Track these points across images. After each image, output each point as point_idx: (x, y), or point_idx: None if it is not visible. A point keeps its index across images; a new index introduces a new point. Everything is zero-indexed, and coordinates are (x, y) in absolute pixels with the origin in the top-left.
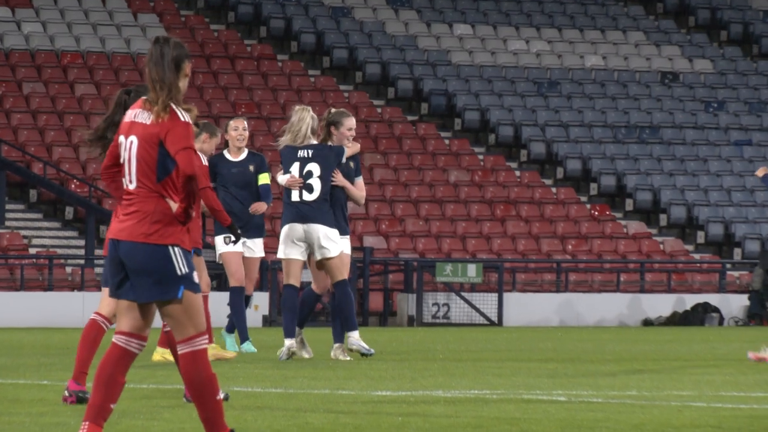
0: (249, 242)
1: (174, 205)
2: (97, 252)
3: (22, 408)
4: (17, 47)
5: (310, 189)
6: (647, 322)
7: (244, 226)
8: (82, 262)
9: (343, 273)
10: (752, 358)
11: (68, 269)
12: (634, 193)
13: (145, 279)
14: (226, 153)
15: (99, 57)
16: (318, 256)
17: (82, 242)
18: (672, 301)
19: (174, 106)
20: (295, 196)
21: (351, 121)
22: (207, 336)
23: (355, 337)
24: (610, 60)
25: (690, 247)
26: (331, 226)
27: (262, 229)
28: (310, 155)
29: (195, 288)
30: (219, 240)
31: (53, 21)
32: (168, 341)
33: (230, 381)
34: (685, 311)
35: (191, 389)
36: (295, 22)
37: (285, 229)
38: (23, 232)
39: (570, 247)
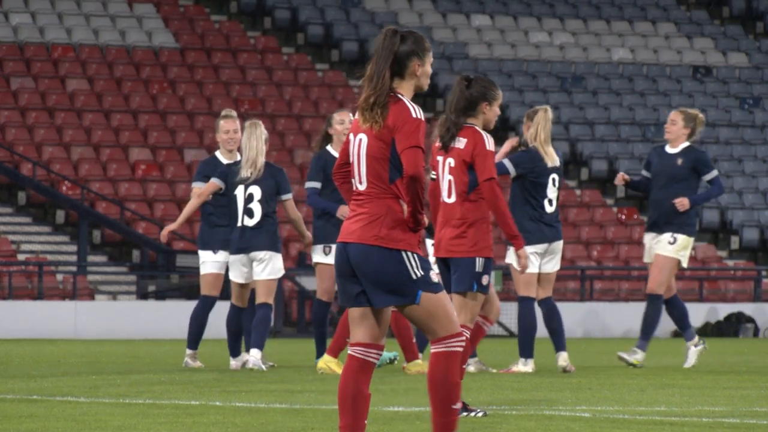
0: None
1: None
2: (90, 258)
3: (10, 425)
4: (5, 39)
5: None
6: (677, 334)
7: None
8: (74, 269)
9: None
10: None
11: (59, 277)
12: None
13: (379, 284)
14: (330, 149)
15: (92, 50)
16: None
17: (74, 248)
18: (704, 310)
19: (406, 101)
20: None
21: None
22: (462, 338)
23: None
24: (638, 53)
25: (723, 254)
26: None
27: None
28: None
29: (435, 288)
30: (317, 249)
31: (43, 11)
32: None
33: (231, 396)
34: (718, 321)
35: (432, 389)
36: (301, 13)
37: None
38: (11, 237)
39: (595, 253)
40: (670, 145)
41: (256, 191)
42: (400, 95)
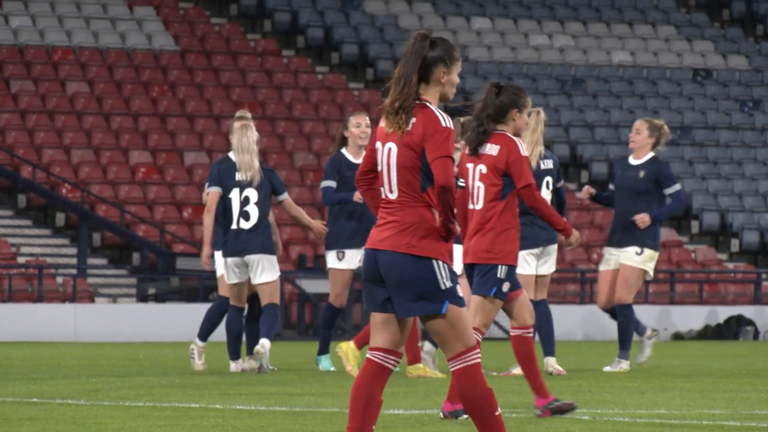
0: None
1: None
2: (90, 261)
3: (10, 427)
4: (5, 42)
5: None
6: (677, 336)
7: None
8: (74, 271)
9: None
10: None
11: (59, 279)
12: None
13: (407, 292)
14: (345, 152)
15: (92, 53)
16: None
17: (74, 251)
18: (704, 313)
19: (434, 110)
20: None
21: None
22: (478, 350)
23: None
24: (638, 56)
25: (723, 256)
26: None
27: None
28: None
29: (459, 302)
30: (331, 255)
31: (43, 14)
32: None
33: (231, 398)
34: (718, 324)
35: (467, 405)
36: (301, 16)
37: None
38: (11, 240)
39: (595, 255)
40: (634, 155)
41: (252, 194)
42: (427, 103)
